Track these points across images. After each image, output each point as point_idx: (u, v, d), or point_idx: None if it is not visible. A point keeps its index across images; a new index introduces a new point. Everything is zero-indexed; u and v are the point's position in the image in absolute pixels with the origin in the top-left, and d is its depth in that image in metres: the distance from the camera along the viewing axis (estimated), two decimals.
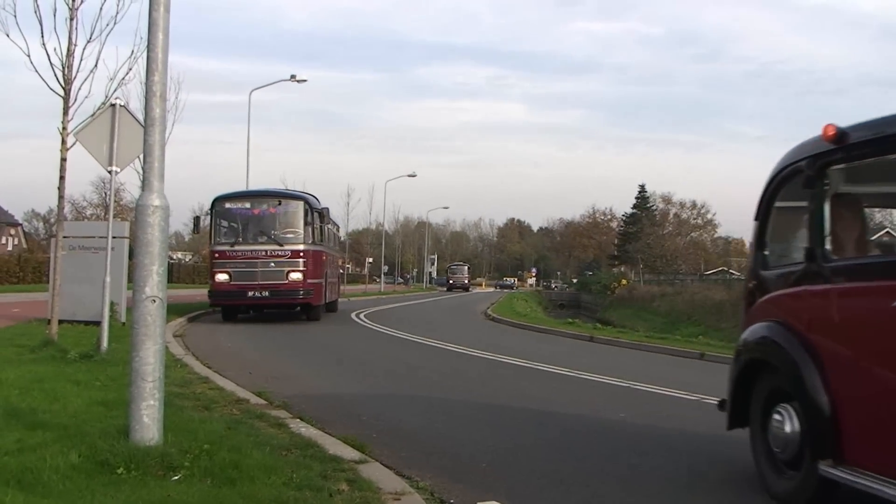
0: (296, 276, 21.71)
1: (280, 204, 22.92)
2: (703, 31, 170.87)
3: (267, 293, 21.69)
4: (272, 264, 21.64)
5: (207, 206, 23.47)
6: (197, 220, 23.69)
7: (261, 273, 21.59)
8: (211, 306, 23.22)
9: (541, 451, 7.05)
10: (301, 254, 21.96)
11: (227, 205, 22.71)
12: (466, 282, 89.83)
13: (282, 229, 22.30)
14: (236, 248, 21.79)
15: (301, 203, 22.78)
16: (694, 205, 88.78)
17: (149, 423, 5.41)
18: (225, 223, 22.51)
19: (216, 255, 22.14)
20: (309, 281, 21.97)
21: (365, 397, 9.94)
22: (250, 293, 21.59)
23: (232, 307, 22.67)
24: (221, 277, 21.66)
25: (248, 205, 22.81)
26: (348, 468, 5.69)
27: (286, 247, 21.88)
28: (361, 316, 27.54)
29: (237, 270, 21.52)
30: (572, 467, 6.49)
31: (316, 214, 22.90)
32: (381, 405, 9.24)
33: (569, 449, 7.21)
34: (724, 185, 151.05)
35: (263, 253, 21.77)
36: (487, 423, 8.37)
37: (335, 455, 6.03)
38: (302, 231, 22.18)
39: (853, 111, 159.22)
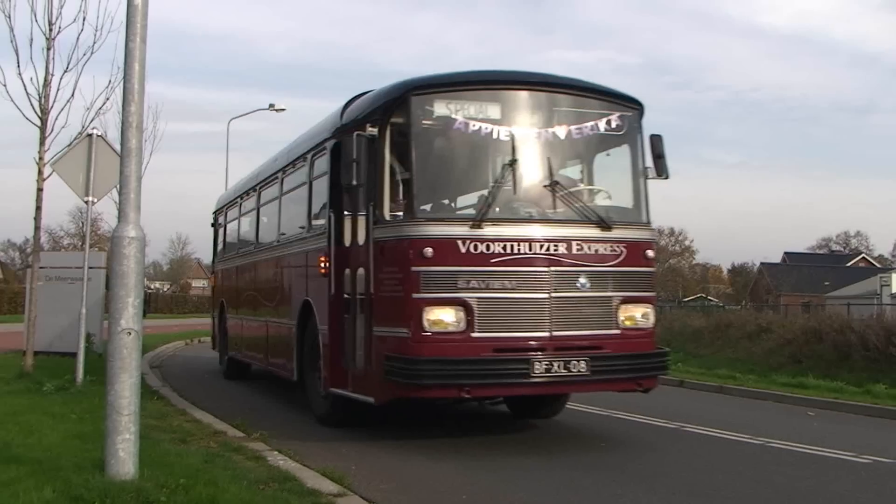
0: (642, 314, 8.58)
1: (598, 114, 8.75)
2: (677, 60, 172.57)
3: (582, 364, 7.95)
4: (583, 282, 8.16)
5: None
6: (343, 149, 8.18)
7: (557, 306, 8.02)
8: (407, 396, 8.04)
9: (521, 482, 7.01)
10: (646, 252, 8.75)
11: (443, 107, 8.25)
12: None
13: (595, 185, 9.20)
14: (486, 231, 7.91)
15: (637, 114, 9.09)
16: (672, 231, 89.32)
17: (124, 457, 5.35)
18: (436, 161, 8.57)
19: (419, 247, 7.80)
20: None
21: (343, 430, 9.86)
22: (539, 365, 7.80)
23: (458, 397, 7.98)
24: (443, 317, 7.79)
25: (496, 111, 8.37)
26: (327, 501, 5.64)
27: (615, 233, 8.43)
28: None
29: (493, 298, 7.86)
30: (552, 499, 6.46)
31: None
32: (360, 437, 9.17)
33: (549, 479, 7.17)
34: (702, 211, 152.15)
35: (562, 249, 8.12)
36: (466, 454, 8.31)
37: (314, 488, 5.96)
38: (640, 191, 9.05)
39: (829, 138, 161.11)
